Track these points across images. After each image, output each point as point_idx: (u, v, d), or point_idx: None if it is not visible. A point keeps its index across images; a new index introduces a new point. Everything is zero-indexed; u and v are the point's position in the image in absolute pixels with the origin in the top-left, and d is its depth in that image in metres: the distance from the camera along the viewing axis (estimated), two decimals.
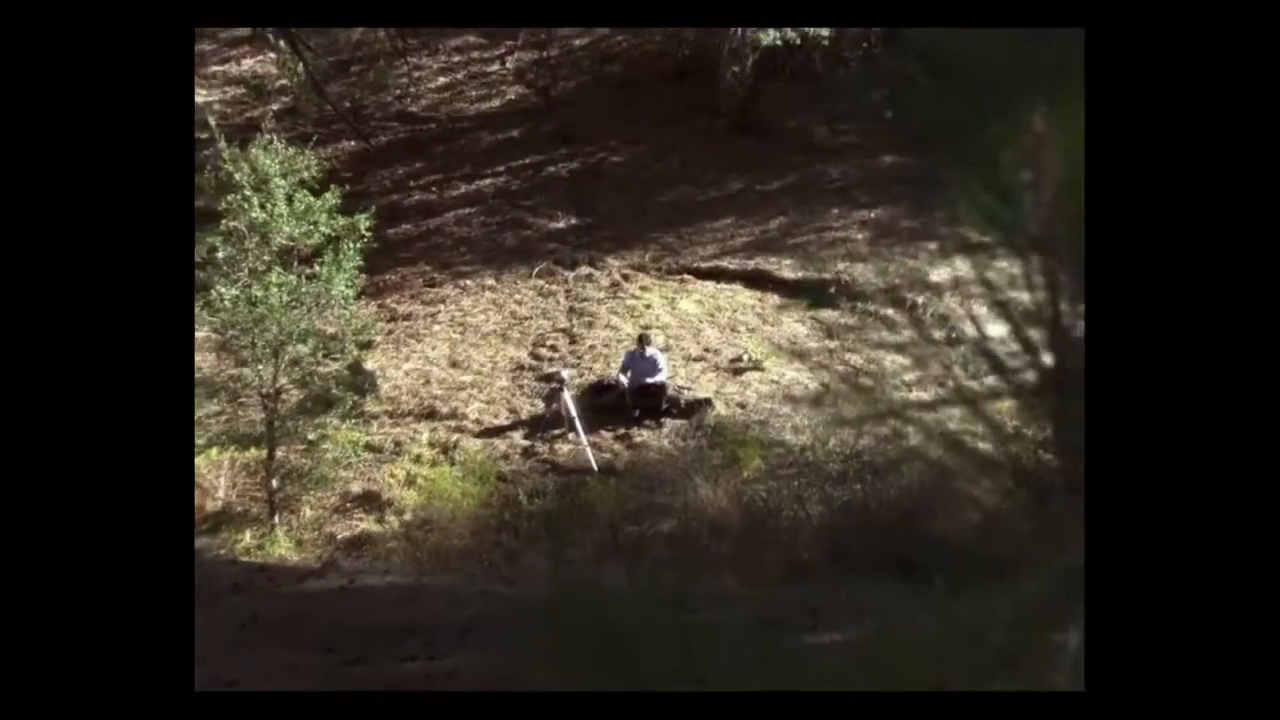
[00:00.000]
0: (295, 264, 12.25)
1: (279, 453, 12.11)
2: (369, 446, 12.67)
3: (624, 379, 13.20)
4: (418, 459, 12.82)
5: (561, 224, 16.89)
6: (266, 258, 12.13)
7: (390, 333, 14.68)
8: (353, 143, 17.80)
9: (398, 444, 12.99)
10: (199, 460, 12.64)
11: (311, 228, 12.32)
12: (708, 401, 13.20)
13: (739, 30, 17.01)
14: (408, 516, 12.22)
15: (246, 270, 12.06)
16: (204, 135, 15.08)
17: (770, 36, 16.43)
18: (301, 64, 13.15)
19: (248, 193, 12.12)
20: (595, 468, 12.48)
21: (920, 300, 0.75)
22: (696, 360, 13.95)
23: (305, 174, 12.55)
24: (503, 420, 13.34)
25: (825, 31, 15.90)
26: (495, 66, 19.99)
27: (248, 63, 19.39)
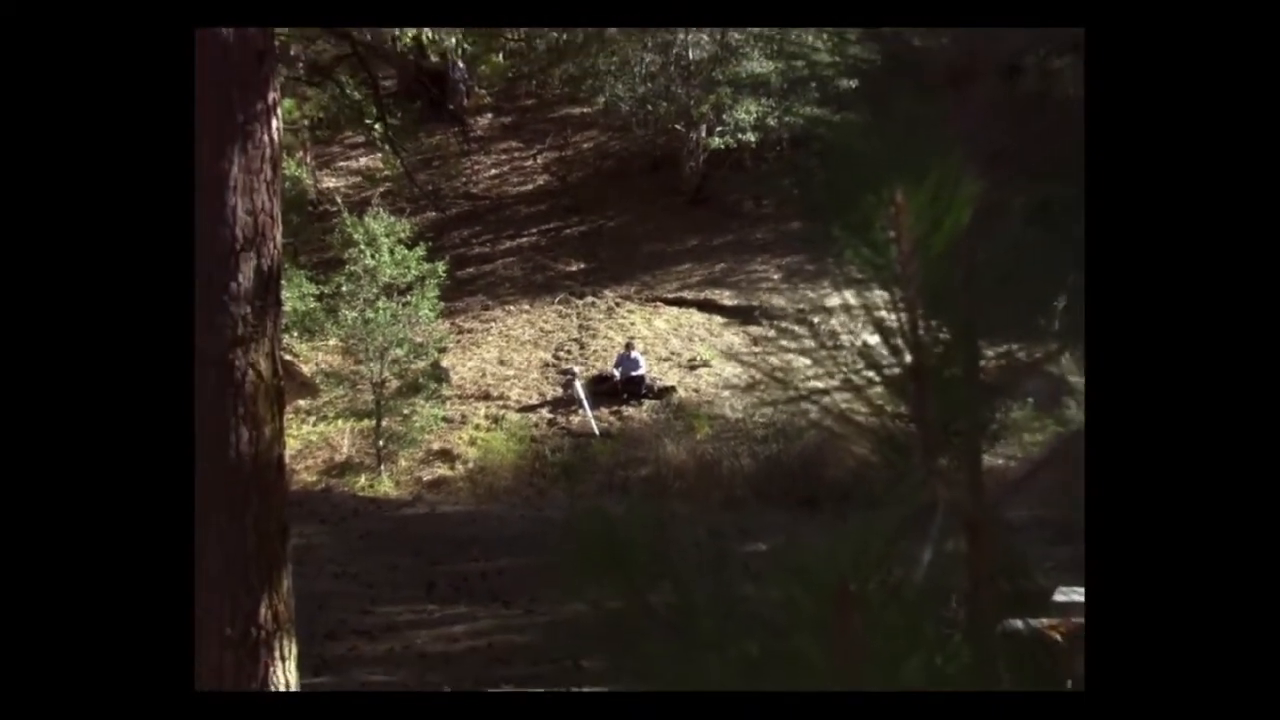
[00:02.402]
0: (395, 295, 12.29)
1: (384, 422, 12.08)
2: (444, 418, 12.62)
3: (617, 373, 13.18)
4: (477, 427, 12.79)
5: (574, 268, 16.82)
6: (375, 290, 12.17)
7: (459, 341, 14.60)
8: (433, 213, 17.70)
9: (464, 416, 12.95)
10: (329, 428, 12.61)
11: (405, 270, 12.38)
12: (673, 388, 13.20)
13: (695, 136, 17.00)
14: (470, 465, 12.21)
15: (362, 299, 12.11)
16: (334, 208, 15.12)
17: (716, 141, 16.44)
18: (399, 160, 13.11)
19: (363, 247, 12.20)
20: (597, 433, 12.47)
21: (818, 319, 0.74)
22: (665, 360, 13.94)
23: (401, 234, 12.67)
24: (534, 400, 13.31)
25: (753, 137, 15.90)
26: (529, 162, 19.88)
27: (363, 160, 19.24)
